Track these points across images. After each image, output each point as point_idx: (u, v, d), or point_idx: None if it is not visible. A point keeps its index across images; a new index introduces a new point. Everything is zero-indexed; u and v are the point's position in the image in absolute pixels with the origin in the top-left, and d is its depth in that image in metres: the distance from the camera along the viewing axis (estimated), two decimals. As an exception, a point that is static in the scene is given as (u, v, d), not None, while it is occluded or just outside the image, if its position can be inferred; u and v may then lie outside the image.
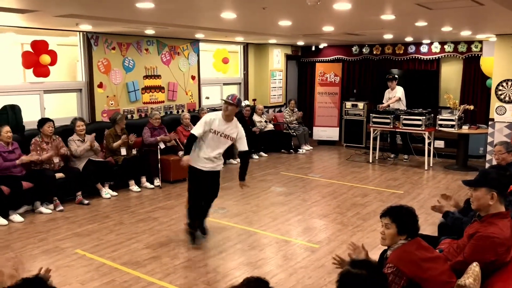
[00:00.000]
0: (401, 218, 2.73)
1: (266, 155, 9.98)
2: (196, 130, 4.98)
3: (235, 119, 5.14)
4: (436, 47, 10.32)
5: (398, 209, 2.80)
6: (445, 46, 10.20)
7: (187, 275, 4.33)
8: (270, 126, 10.42)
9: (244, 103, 10.80)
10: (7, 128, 6.07)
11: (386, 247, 2.84)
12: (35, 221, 5.85)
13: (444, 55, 10.30)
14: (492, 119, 8.38)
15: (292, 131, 10.61)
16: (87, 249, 4.93)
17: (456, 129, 8.59)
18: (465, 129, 8.67)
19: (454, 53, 10.14)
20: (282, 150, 10.41)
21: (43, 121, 6.49)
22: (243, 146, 5.12)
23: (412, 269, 2.57)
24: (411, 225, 2.73)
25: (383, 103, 9.68)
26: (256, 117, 10.24)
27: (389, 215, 2.76)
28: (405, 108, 9.28)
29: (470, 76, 10.07)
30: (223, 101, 5.01)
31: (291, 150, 10.35)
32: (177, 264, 4.56)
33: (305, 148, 10.63)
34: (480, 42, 9.64)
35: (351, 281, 2.04)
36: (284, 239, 5.27)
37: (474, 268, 2.61)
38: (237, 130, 5.08)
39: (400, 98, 9.37)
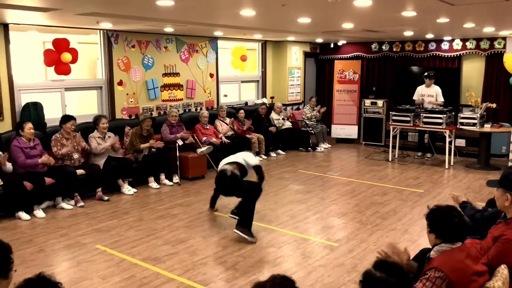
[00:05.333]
0: (433, 220, 2.63)
1: (284, 153, 9.95)
2: None
3: None
4: (457, 44, 10.14)
5: (433, 211, 2.67)
6: (467, 43, 10.01)
7: (206, 271, 4.35)
8: (288, 124, 10.38)
9: (262, 100, 10.80)
10: (30, 125, 6.19)
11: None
12: (56, 216, 5.95)
13: (466, 52, 10.11)
14: (516, 117, 8.20)
15: (310, 129, 10.55)
16: (107, 245, 4.98)
17: (477, 127, 8.41)
18: (487, 127, 8.48)
19: (476, 50, 9.95)
20: (300, 148, 10.36)
21: (67, 119, 6.58)
22: None
23: (463, 281, 2.43)
24: (444, 229, 2.57)
25: (414, 99, 9.43)
26: (274, 115, 10.21)
27: (426, 218, 2.67)
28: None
29: (493, 74, 9.87)
30: None
31: (309, 148, 10.29)
32: (196, 261, 4.58)
33: (323, 146, 10.56)
34: (504, 38, 9.44)
35: (373, 283, 2.01)
36: (303, 237, 5.24)
37: (503, 271, 2.55)
38: None
39: (443, 102, 9.11)
